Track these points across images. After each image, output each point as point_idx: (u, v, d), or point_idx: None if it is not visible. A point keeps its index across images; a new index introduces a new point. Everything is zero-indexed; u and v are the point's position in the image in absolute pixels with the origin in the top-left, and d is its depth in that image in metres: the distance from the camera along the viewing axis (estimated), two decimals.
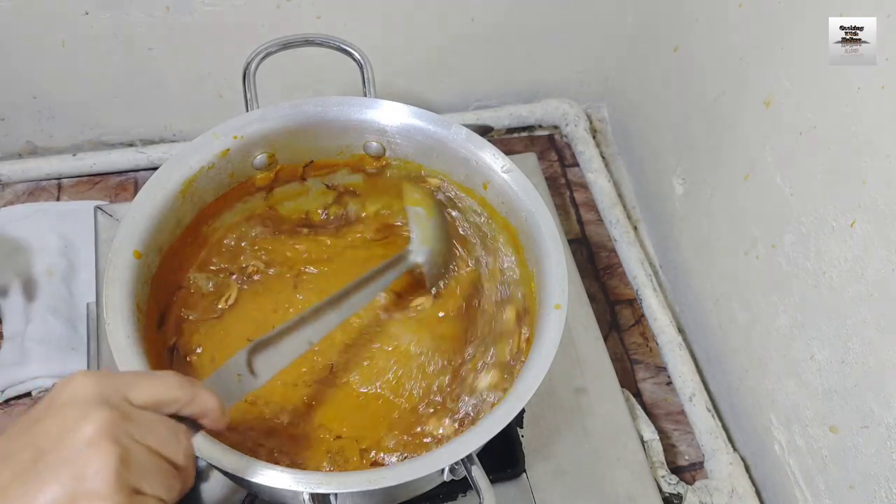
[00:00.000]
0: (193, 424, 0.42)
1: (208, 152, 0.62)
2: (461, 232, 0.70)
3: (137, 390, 0.38)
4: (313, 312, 0.54)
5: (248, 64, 0.66)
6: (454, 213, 0.70)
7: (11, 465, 0.33)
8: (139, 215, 0.58)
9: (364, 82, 0.68)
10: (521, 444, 0.72)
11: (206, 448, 0.48)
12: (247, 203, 0.69)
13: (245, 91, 0.66)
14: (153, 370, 0.52)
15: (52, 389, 0.37)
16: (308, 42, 0.68)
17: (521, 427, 0.73)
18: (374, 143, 0.68)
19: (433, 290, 0.68)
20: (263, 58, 0.66)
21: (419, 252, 0.65)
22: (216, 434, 0.48)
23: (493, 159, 0.64)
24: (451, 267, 0.69)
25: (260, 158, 0.66)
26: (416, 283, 0.68)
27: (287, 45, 0.67)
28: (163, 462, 0.37)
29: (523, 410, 0.73)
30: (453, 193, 0.68)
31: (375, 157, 0.69)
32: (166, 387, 0.39)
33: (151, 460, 0.36)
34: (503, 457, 0.70)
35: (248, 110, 0.66)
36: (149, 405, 0.38)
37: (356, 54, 0.68)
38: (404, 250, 0.65)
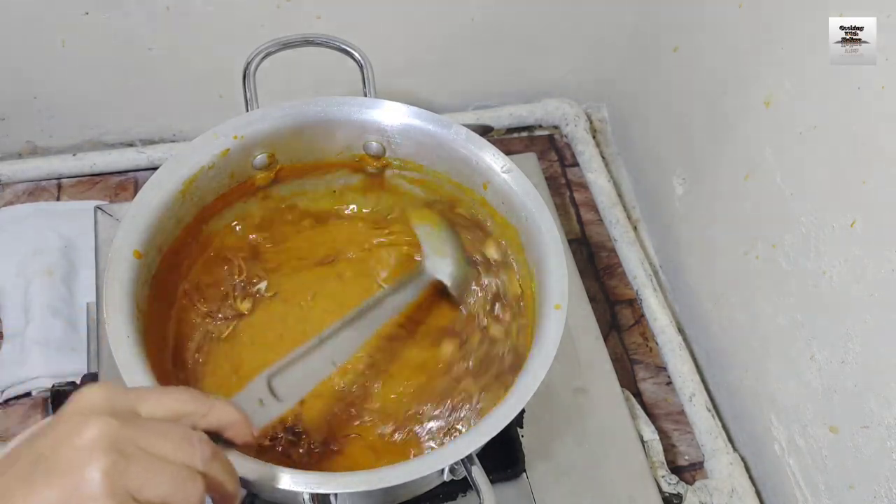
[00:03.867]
0: (220, 440, 0.41)
1: (208, 152, 0.62)
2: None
3: (149, 403, 0.38)
4: (333, 332, 0.54)
5: (248, 64, 0.66)
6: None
7: (14, 469, 0.34)
8: (139, 215, 0.58)
9: (364, 82, 0.68)
10: (521, 444, 0.71)
11: None
12: (247, 203, 0.69)
13: (245, 91, 0.66)
14: (165, 385, 0.51)
15: (67, 401, 0.38)
16: (308, 42, 0.68)
17: (521, 427, 0.73)
18: (375, 143, 0.67)
19: (463, 308, 0.67)
20: (263, 58, 0.66)
21: (436, 267, 0.64)
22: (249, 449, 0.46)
23: (493, 159, 0.64)
24: (475, 282, 0.67)
25: (260, 158, 0.65)
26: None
27: (287, 45, 0.67)
28: (173, 468, 0.36)
29: (523, 410, 0.73)
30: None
31: (375, 157, 0.69)
32: (179, 400, 0.39)
33: (156, 466, 0.35)
34: (503, 457, 0.70)
35: (248, 110, 0.66)
36: (159, 417, 0.38)
37: (356, 54, 0.68)
38: (419, 265, 0.64)
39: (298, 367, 0.50)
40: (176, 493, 0.35)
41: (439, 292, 0.66)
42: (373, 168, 0.70)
